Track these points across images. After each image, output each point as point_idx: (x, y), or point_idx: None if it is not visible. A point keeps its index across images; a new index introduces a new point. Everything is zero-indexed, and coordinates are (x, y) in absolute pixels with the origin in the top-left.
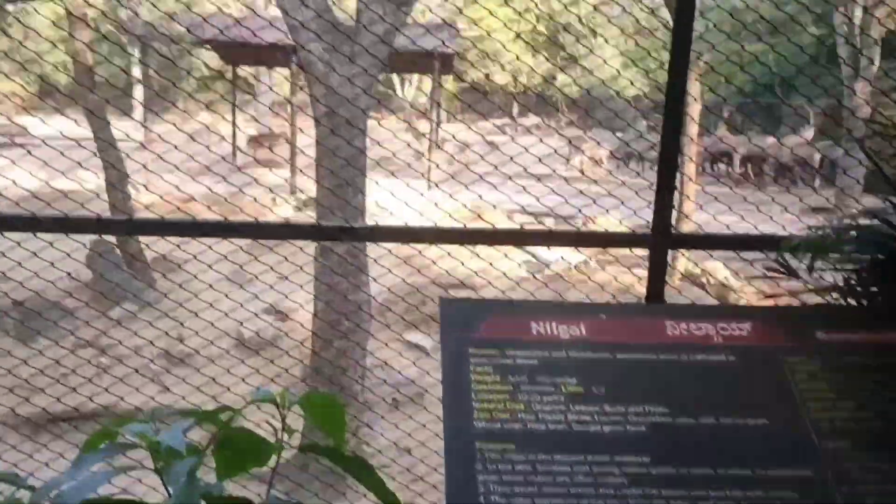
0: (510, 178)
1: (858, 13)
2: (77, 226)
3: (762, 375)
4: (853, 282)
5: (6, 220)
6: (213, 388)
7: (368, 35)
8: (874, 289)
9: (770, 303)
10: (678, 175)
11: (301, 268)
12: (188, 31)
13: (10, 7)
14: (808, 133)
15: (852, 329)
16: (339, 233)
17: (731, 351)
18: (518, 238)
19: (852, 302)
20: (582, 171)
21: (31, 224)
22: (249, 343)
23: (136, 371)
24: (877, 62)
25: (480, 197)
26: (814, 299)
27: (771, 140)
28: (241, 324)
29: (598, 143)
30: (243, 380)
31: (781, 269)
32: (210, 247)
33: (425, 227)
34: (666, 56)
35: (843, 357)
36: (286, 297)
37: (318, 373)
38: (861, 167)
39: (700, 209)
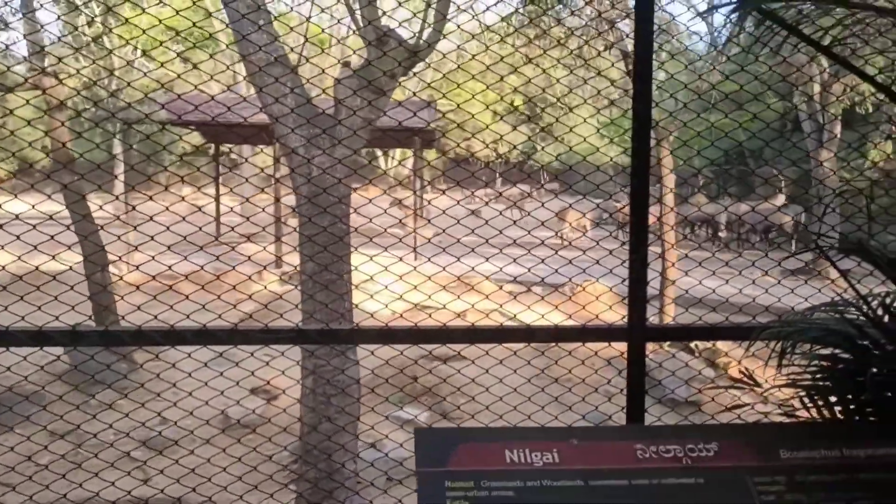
0: (496, 248)
1: (817, 89)
2: (51, 339)
3: (729, 498)
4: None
5: None
6: (196, 478)
7: (349, 119)
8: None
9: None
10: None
11: (283, 353)
12: (176, 117)
13: None
14: (779, 199)
15: (814, 447)
16: (320, 336)
17: (699, 473)
18: (500, 336)
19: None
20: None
21: (3, 338)
22: (234, 427)
23: (112, 465)
24: (838, 133)
25: (470, 268)
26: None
27: (745, 207)
28: (223, 412)
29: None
30: (224, 469)
31: (748, 381)
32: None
33: (406, 328)
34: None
35: (806, 476)
36: (268, 382)
37: (306, 458)
38: (831, 230)
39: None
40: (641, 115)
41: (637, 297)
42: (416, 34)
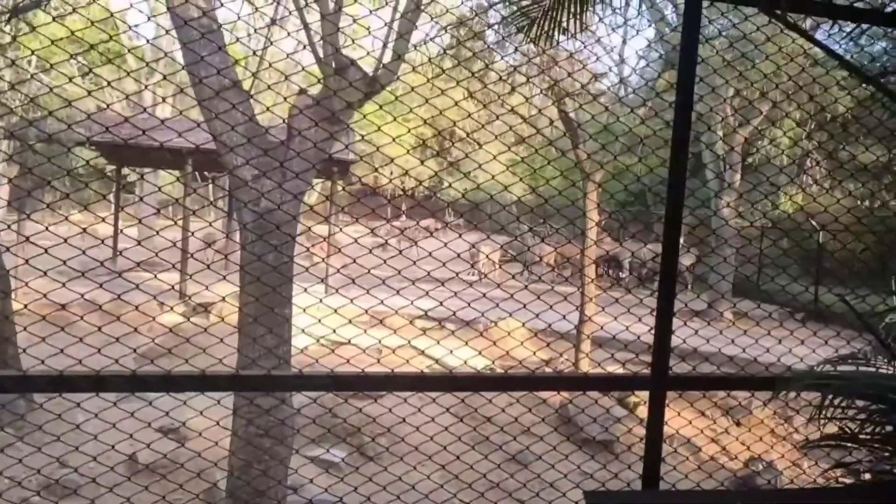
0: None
1: (721, 133)
2: None
3: None
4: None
5: None
6: None
7: (303, 149)
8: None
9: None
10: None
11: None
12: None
13: None
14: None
15: None
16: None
17: None
18: (529, 384)
19: None
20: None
21: None
22: (141, 473)
23: None
24: (738, 177)
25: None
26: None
27: (648, 247)
28: (130, 456)
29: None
30: None
31: (847, 438)
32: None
33: (435, 375)
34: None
35: None
36: (199, 411)
37: (234, 498)
38: (731, 271)
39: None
40: (679, 163)
41: (662, 346)
42: (378, 60)
